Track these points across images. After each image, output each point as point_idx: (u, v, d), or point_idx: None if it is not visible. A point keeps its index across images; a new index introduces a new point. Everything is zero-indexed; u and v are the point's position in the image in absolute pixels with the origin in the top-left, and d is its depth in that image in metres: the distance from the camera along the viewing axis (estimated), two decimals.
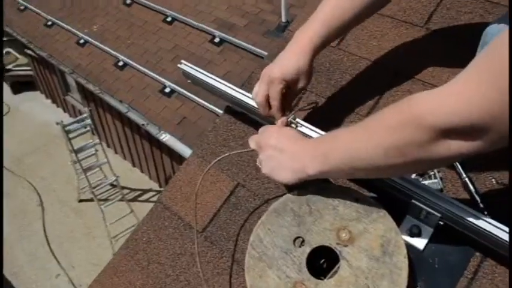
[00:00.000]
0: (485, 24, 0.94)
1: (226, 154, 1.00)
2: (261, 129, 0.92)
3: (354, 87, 1.13)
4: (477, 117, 0.55)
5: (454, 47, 1.11)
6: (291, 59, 0.91)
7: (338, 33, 0.94)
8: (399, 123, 0.63)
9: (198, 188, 0.97)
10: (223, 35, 5.79)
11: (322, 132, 0.92)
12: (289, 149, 0.81)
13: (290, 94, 0.94)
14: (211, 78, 1.07)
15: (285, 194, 1.00)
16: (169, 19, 6.41)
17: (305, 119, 0.97)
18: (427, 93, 0.62)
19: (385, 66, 1.14)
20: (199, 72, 1.08)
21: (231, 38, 5.71)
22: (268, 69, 0.92)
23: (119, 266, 1.08)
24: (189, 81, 1.14)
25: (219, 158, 0.97)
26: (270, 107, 0.94)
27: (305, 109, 0.98)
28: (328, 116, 1.09)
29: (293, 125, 0.95)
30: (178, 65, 1.09)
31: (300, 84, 0.93)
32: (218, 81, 1.06)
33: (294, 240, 0.80)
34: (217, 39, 5.85)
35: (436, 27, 1.16)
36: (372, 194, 0.90)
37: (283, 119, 0.94)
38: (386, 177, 0.82)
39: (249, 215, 1.01)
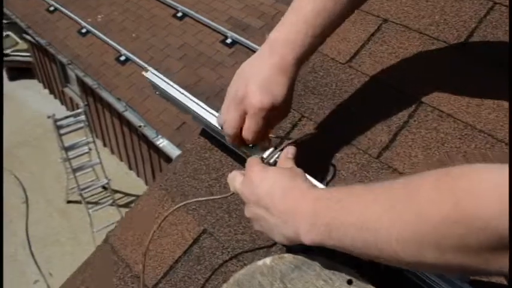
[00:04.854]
0: None
1: (193, 200, 0.85)
2: (246, 165, 0.72)
3: (364, 117, 0.94)
4: None
5: (496, 75, 0.92)
6: (279, 83, 0.71)
7: (323, 38, 0.76)
8: (446, 217, 0.45)
9: (152, 236, 0.79)
10: (236, 36, 5.68)
11: (317, 183, 0.72)
12: (276, 209, 0.62)
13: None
14: (183, 95, 0.88)
15: (260, 249, 0.83)
16: (179, 14, 6.32)
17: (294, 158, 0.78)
18: (485, 179, 0.44)
19: (406, 92, 0.94)
20: (169, 84, 0.90)
21: (244, 39, 5.59)
22: (245, 91, 0.70)
23: None
24: (157, 93, 0.96)
25: (182, 204, 0.80)
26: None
27: (296, 142, 0.79)
28: (328, 153, 0.90)
29: None
30: (143, 73, 0.92)
31: (282, 113, 0.76)
32: (191, 100, 0.88)
33: None
34: (229, 40, 5.74)
35: (476, 49, 0.97)
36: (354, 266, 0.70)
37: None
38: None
39: (212, 273, 0.83)
